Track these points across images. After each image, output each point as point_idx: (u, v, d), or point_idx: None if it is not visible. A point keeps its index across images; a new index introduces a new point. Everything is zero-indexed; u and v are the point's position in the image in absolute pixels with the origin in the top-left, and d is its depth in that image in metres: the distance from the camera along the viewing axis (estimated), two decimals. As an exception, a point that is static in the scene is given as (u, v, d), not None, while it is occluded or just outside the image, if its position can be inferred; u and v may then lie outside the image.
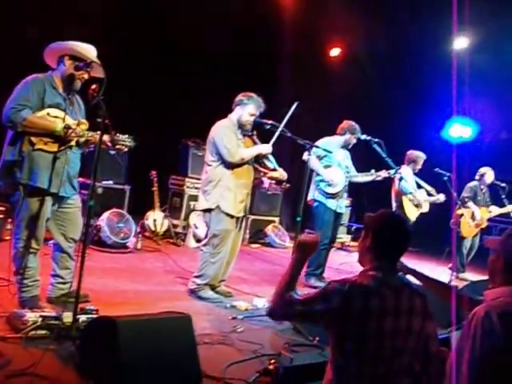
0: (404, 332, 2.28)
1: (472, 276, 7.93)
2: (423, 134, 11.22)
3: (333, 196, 6.32)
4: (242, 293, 5.59)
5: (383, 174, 6.48)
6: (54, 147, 3.92)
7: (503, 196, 8.18)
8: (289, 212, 10.99)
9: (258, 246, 9.08)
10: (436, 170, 7.20)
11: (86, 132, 4.02)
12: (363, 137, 6.38)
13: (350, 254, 9.75)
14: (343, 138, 6.45)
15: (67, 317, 3.46)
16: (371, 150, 6.33)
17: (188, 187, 8.42)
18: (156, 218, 8.00)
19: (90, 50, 4.07)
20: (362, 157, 6.92)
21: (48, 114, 3.92)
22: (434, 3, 8.54)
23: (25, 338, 3.33)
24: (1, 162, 3.92)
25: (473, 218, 8.16)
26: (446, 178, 7.23)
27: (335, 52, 11.54)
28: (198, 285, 5.16)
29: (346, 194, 6.60)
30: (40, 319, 3.45)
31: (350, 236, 10.51)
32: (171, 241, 8.04)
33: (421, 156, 7.54)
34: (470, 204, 8.17)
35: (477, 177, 8.37)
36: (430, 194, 7.65)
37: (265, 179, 5.75)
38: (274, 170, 5.31)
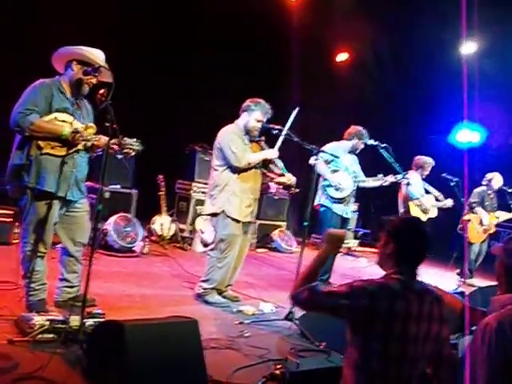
0: (423, 337, 2.30)
1: (480, 282, 7.88)
2: (431, 139, 11.21)
3: (340, 201, 6.30)
4: (248, 297, 5.59)
5: (390, 178, 6.47)
6: (62, 151, 3.93)
7: (511, 201, 8.14)
8: (296, 217, 10.99)
9: (265, 250, 9.07)
10: (443, 175, 7.18)
11: (94, 136, 4.03)
12: (370, 142, 6.37)
13: (357, 259, 9.74)
14: (350, 143, 6.44)
15: (74, 320, 3.46)
16: (378, 155, 6.32)
17: (195, 192, 8.43)
18: (163, 223, 8.00)
19: (98, 55, 4.08)
20: (369, 162, 6.91)
21: (56, 118, 3.93)
22: (441, 8, 8.52)
23: (32, 342, 3.33)
24: (9, 166, 3.93)
25: (481, 224, 8.13)
26: (453, 184, 7.20)
27: (342, 57, 11.52)
28: (205, 289, 5.16)
29: (353, 199, 6.59)
30: (47, 323, 3.45)
31: (356, 241, 10.49)
32: (178, 245, 8.05)
33: (428, 162, 7.51)
34: (478, 209, 8.14)
35: (484, 182, 8.34)
36: (438, 200, 7.62)
37: (271, 184, 5.74)
38: (282, 175, 5.30)
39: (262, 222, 9.18)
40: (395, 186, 6.95)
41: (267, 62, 9.76)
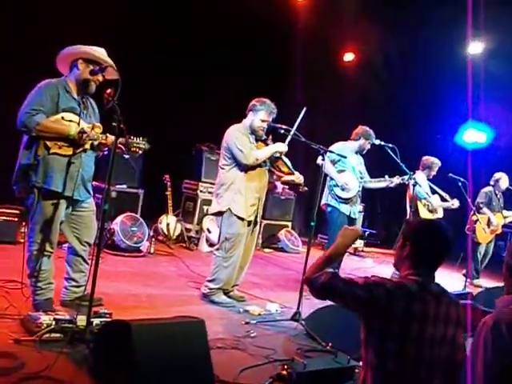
0: (440, 340, 2.29)
1: (486, 282, 7.87)
2: (437, 140, 11.17)
3: (346, 201, 6.30)
4: (254, 297, 5.59)
5: (396, 180, 6.46)
6: (69, 151, 3.94)
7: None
8: (302, 217, 10.98)
9: (271, 250, 9.07)
10: (450, 175, 7.16)
11: (100, 135, 4.03)
12: (377, 142, 6.35)
13: (364, 259, 9.74)
14: (357, 144, 6.44)
15: (81, 320, 3.46)
16: (385, 156, 6.30)
17: (201, 191, 8.44)
18: (169, 222, 8.01)
19: (102, 52, 4.08)
20: (375, 162, 6.89)
21: (62, 118, 3.93)
22: (448, 9, 8.49)
23: (39, 341, 3.34)
24: (17, 166, 3.94)
25: (488, 224, 8.10)
26: (460, 184, 7.18)
27: (349, 57, 11.53)
28: (211, 289, 5.16)
29: (359, 200, 6.58)
30: (54, 322, 3.46)
31: (363, 241, 10.47)
32: (184, 245, 8.05)
33: (436, 162, 7.48)
34: (485, 210, 8.11)
35: (491, 182, 8.31)
36: (444, 200, 7.60)
37: (278, 184, 5.74)
38: (291, 173, 5.30)
39: (268, 221, 9.18)
40: (401, 187, 6.92)
41: (273, 62, 9.75)
